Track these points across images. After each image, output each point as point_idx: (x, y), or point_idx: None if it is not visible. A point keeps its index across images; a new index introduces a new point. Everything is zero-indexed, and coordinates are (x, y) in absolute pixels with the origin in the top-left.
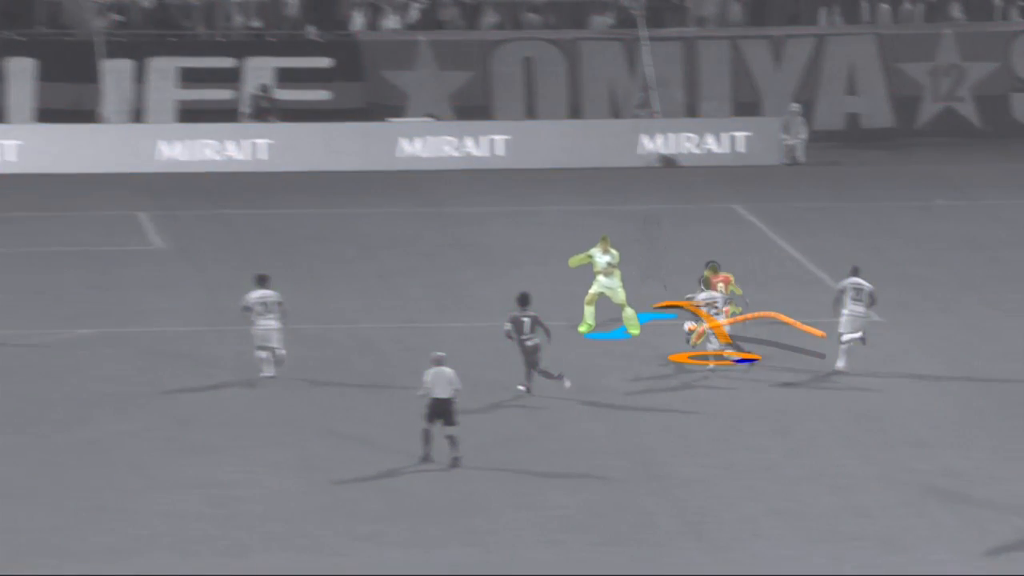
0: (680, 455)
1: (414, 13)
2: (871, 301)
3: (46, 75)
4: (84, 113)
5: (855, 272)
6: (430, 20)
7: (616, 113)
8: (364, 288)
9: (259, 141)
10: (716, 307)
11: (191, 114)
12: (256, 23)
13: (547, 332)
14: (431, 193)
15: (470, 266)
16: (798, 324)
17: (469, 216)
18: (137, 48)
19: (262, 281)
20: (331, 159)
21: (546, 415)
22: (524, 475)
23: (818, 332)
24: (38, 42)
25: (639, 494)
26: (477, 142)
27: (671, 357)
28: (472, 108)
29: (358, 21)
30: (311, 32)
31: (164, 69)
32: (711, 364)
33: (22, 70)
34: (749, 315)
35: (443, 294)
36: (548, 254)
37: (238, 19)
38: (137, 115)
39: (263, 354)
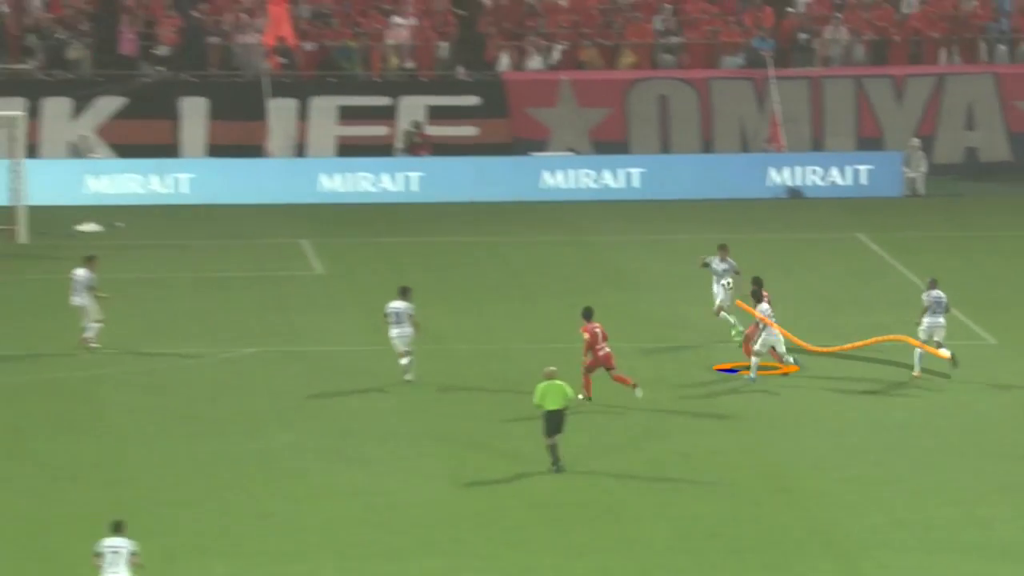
0: (806, 468)
1: (556, 54)
2: (946, 310)
3: (217, 113)
4: (252, 148)
5: (934, 285)
6: (571, 61)
7: (745, 147)
8: (509, 310)
9: (412, 174)
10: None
11: (349, 149)
12: (410, 64)
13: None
14: (572, 222)
15: (608, 290)
16: (925, 347)
17: (607, 244)
18: (300, 88)
19: (404, 293)
20: (479, 190)
21: (665, 425)
22: (656, 483)
23: (943, 354)
24: (210, 83)
25: (767, 504)
26: (614, 174)
27: (715, 367)
28: (610, 143)
29: (504, 62)
30: (460, 72)
31: (325, 107)
32: (747, 374)
33: (196, 109)
34: (879, 338)
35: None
36: (680, 280)
37: (393, 61)
38: (300, 150)
39: (403, 361)
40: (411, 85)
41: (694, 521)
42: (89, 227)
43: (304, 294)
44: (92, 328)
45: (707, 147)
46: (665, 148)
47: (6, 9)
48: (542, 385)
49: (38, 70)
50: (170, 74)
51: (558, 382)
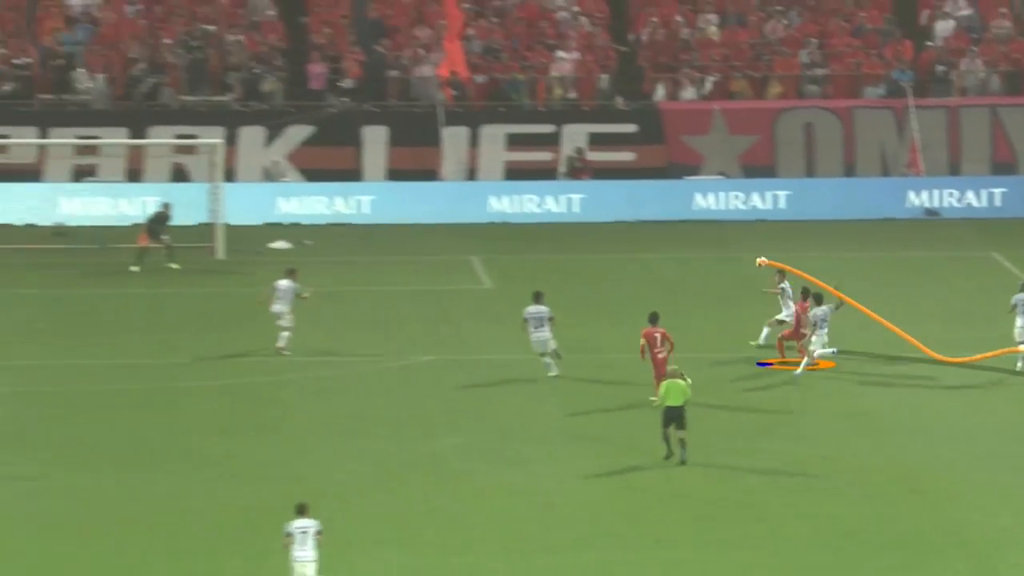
0: (939, 470)
1: (709, 85)
2: None
3: (396, 140)
4: (427, 172)
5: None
6: (723, 91)
7: (886, 171)
8: (663, 322)
9: (573, 196)
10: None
11: (516, 173)
12: (572, 95)
13: (672, 345)
14: (721, 240)
15: (754, 303)
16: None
17: (754, 261)
18: (472, 117)
19: (538, 297)
20: (635, 212)
21: (801, 427)
22: (793, 483)
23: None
24: (390, 113)
25: (902, 505)
26: (762, 196)
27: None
28: (758, 167)
29: (660, 93)
30: (619, 102)
31: (494, 135)
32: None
33: (376, 137)
34: (994, 352)
35: (731, 328)
36: (823, 295)
37: (557, 92)
38: (471, 174)
39: (546, 359)
40: (574, 114)
41: (831, 520)
42: (280, 245)
43: (473, 307)
44: (283, 337)
45: (849, 171)
46: (810, 172)
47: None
48: (666, 383)
49: (235, 102)
50: (354, 105)
51: (680, 381)
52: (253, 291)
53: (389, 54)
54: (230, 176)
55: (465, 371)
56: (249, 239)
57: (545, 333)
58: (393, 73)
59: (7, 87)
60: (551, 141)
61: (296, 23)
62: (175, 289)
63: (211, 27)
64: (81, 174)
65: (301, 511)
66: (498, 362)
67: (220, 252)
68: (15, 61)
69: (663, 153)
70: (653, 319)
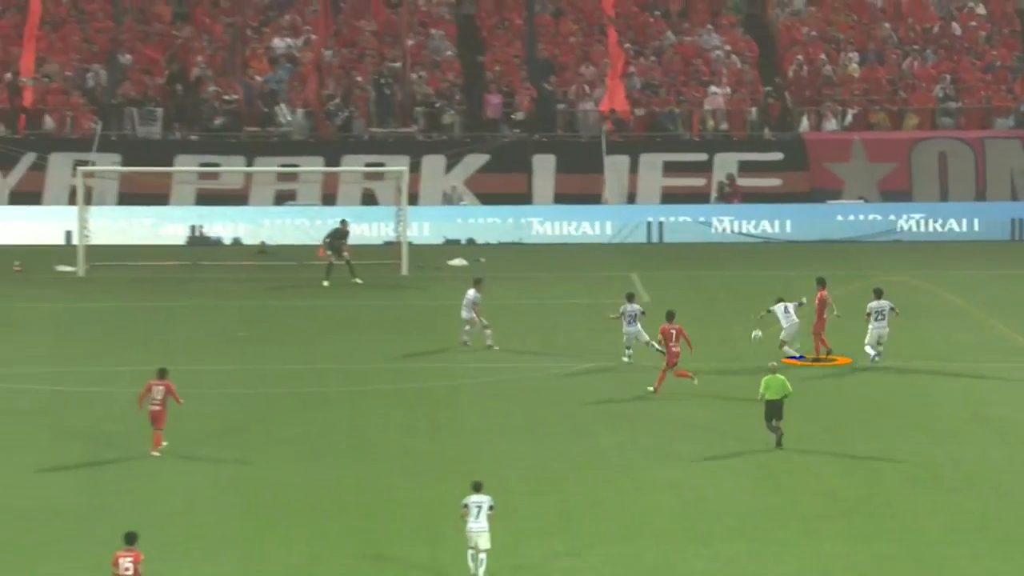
0: None
1: (849, 117)
2: None
3: (563, 168)
4: (591, 196)
5: None
6: (862, 123)
7: (1015, 196)
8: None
9: (724, 218)
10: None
11: (672, 197)
12: (724, 126)
13: (689, 342)
14: (861, 259)
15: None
16: None
17: (892, 278)
18: (632, 146)
19: (631, 298)
20: (781, 232)
21: (935, 430)
22: (927, 481)
23: None
24: (557, 142)
25: None
26: (900, 219)
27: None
28: (895, 192)
29: (804, 124)
30: (767, 133)
31: (652, 162)
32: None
33: (545, 164)
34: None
35: (860, 338)
36: (953, 309)
37: (710, 123)
38: (631, 198)
39: (628, 351)
40: (725, 143)
41: (964, 516)
42: (457, 262)
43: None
44: (488, 336)
45: (980, 196)
46: (943, 197)
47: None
48: (766, 378)
49: (419, 133)
50: (525, 135)
51: (779, 376)
52: (433, 304)
53: (557, 90)
54: (413, 200)
55: (624, 377)
56: (430, 257)
57: (636, 327)
58: (561, 107)
59: (219, 121)
60: (704, 168)
61: (473, 62)
62: (363, 302)
63: (397, 65)
64: (282, 198)
65: (477, 488)
66: (654, 369)
67: (404, 269)
68: (226, 97)
69: (807, 179)
70: (670, 316)
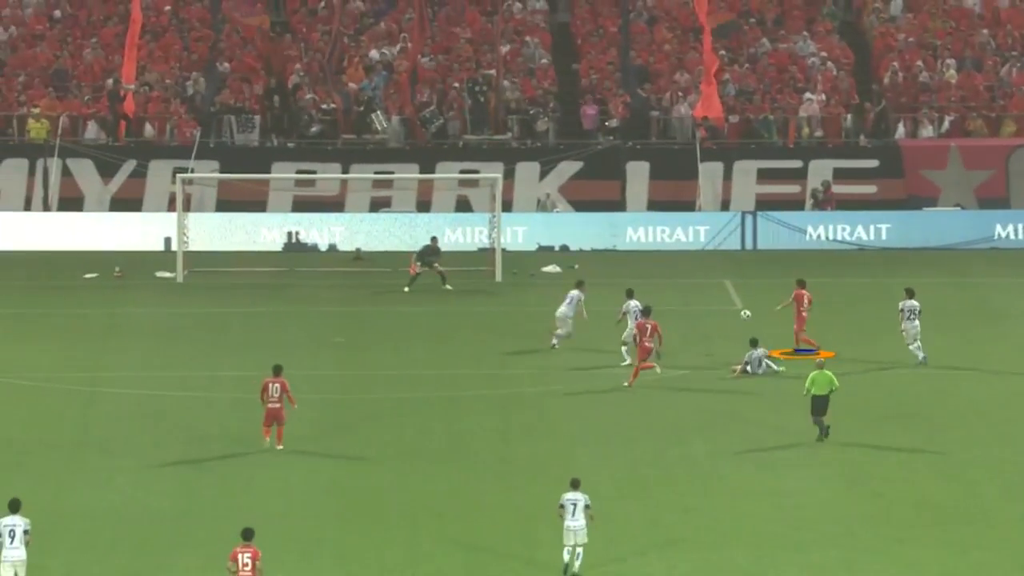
0: None
1: (946, 124)
2: None
3: (656, 174)
4: (684, 203)
5: None
6: (959, 129)
7: None
8: (899, 342)
9: (819, 225)
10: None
11: (766, 204)
12: (819, 133)
13: (660, 337)
14: (957, 266)
15: (981, 324)
16: None
17: (987, 285)
18: (726, 153)
19: (630, 294)
20: (876, 240)
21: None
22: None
23: None
24: (650, 149)
25: None
26: (997, 226)
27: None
28: (992, 199)
29: (900, 131)
30: (862, 140)
31: (746, 169)
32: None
33: (639, 171)
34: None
35: (958, 345)
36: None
37: (805, 130)
38: (725, 205)
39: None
40: (820, 150)
41: None
42: (551, 269)
43: (725, 326)
44: (557, 336)
45: None
46: None
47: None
48: (813, 374)
49: (513, 140)
50: (619, 142)
51: (826, 372)
52: (527, 310)
53: (651, 97)
54: (507, 206)
55: (715, 384)
56: (523, 263)
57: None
58: (654, 114)
59: (315, 128)
60: (798, 175)
61: (568, 69)
62: (457, 308)
63: (492, 72)
64: (378, 205)
65: (574, 485)
66: (748, 377)
67: (498, 275)
68: (323, 106)
69: (903, 186)
70: (646, 312)
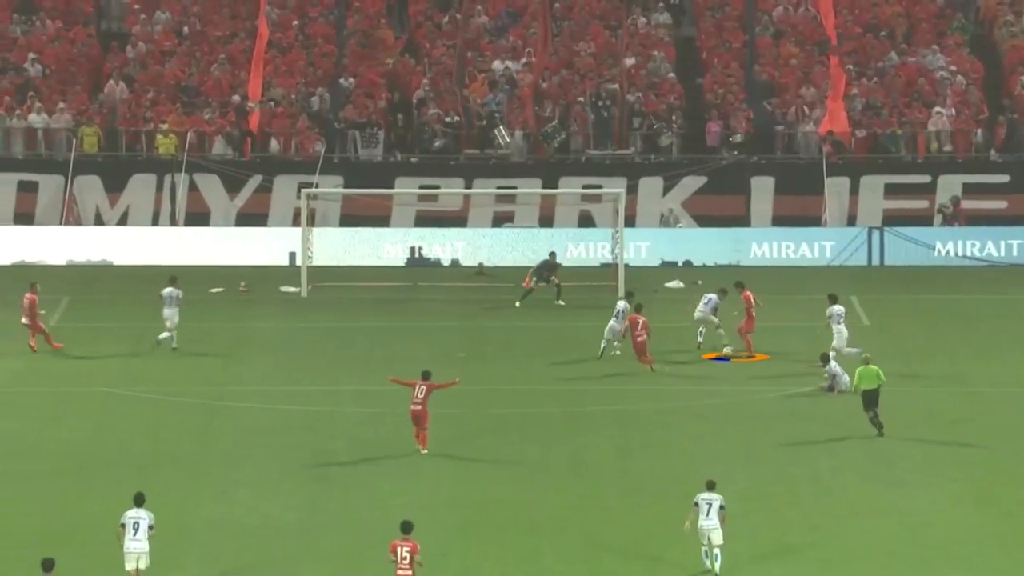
0: None
1: None
2: None
3: (782, 189)
4: (810, 218)
5: None
6: None
7: None
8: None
9: (946, 241)
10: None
11: (893, 219)
12: (948, 148)
13: (649, 332)
14: None
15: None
16: None
17: None
18: (853, 168)
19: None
20: (1007, 256)
21: None
22: None
23: None
24: (775, 164)
25: None
26: None
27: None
28: None
29: None
30: (992, 155)
31: (873, 184)
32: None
33: (764, 186)
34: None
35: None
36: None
37: (934, 145)
38: (851, 220)
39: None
40: (949, 165)
41: None
42: (674, 284)
43: (854, 342)
44: (720, 336)
45: None
46: None
47: (614, 109)
48: (860, 369)
49: (637, 155)
50: (743, 157)
51: (873, 367)
52: (650, 326)
53: (776, 112)
54: (631, 222)
55: (842, 401)
56: (646, 279)
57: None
58: (779, 128)
59: (438, 143)
60: (927, 190)
61: (692, 84)
62: (580, 323)
63: (615, 87)
64: (500, 220)
65: (710, 486)
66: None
67: (621, 290)
68: (447, 120)
69: None
70: (638, 308)
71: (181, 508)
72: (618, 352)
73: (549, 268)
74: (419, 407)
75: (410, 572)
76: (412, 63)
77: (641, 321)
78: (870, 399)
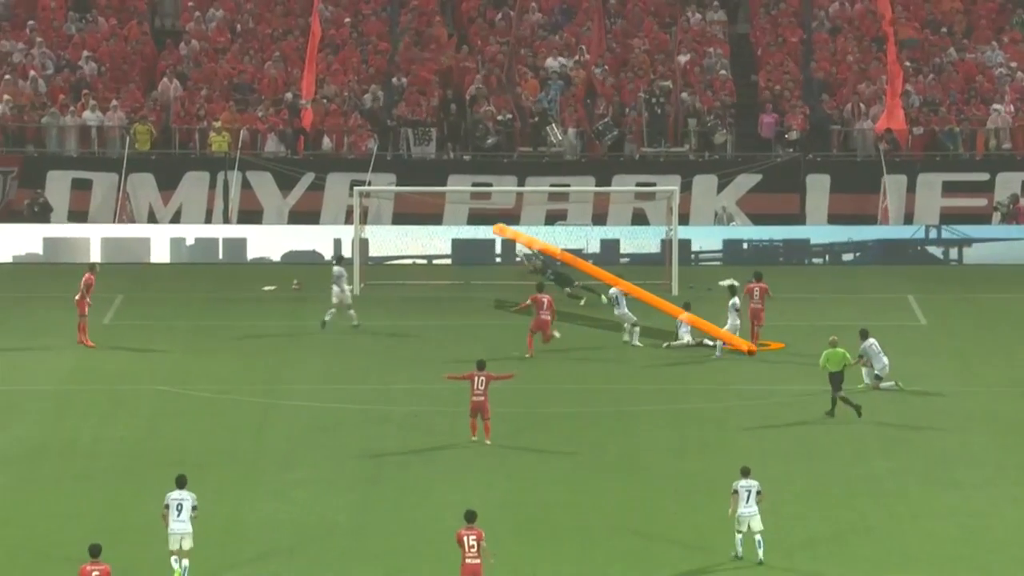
0: None
1: None
2: None
3: (837, 187)
4: (866, 217)
5: None
6: None
7: None
8: None
9: (1004, 240)
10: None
11: (951, 218)
12: (1007, 145)
13: (554, 312)
14: None
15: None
16: None
17: None
18: (910, 166)
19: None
20: None
21: None
22: None
23: None
24: (832, 161)
25: None
26: None
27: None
28: None
29: None
30: None
31: (931, 182)
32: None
33: (819, 184)
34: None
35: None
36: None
37: (992, 143)
38: (908, 218)
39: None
40: (1008, 162)
41: None
42: (727, 282)
43: (909, 342)
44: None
45: None
46: None
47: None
48: (827, 351)
49: (691, 152)
50: (799, 154)
51: (840, 349)
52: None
53: (833, 109)
54: (684, 220)
55: (897, 401)
56: (700, 277)
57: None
58: (835, 126)
59: (491, 141)
60: (985, 188)
61: (747, 81)
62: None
63: (669, 84)
64: (553, 218)
65: (745, 473)
66: (931, 393)
67: (674, 288)
68: (499, 118)
69: None
70: (540, 288)
71: (235, 507)
72: (632, 341)
73: (561, 280)
74: (481, 397)
75: (478, 560)
76: (465, 60)
77: (546, 300)
78: (837, 380)
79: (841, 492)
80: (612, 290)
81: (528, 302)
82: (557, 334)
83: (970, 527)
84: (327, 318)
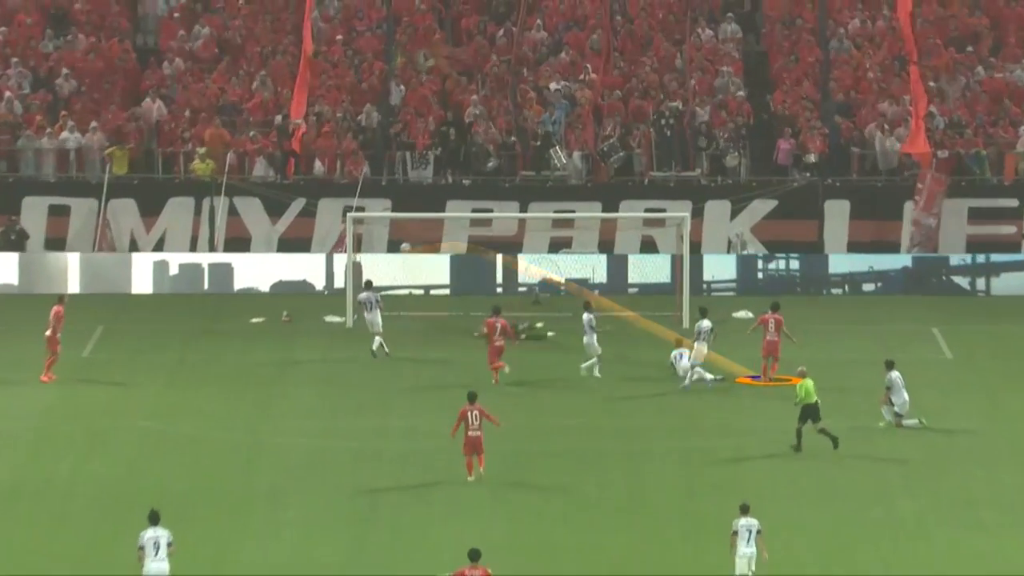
0: None
1: None
2: None
3: (857, 213)
4: (888, 244)
5: None
6: None
7: None
8: None
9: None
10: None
11: (978, 245)
12: None
13: (510, 334)
14: None
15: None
16: None
17: None
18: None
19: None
20: None
21: None
22: None
23: None
24: (851, 187)
25: None
26: None
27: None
28: None
29: None
30: None
31: (956, 209)
32: None
33: (838, 210)
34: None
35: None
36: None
37: (1021, 166)
38: (932, 247)
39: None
40: None
41: None
42: (742, 314)
43: (935, 376)
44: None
45: None
46: None
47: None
48: (802, 383)
49: (702, 176)
50: (817, 179)
51: (810, 380)
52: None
53: (852, 131)
54: (696, 248)
55: (919, 438)
56: (713, 308)
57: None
58: (855, 150)
59: (492, 164)
60: (1014, 215)
61: (761, 101)
62: (640, 354)
63: (679, 104)
64: (557, 246)
65: (744, 511)
66: (956, 431)
67: (685, 320)
68: (499, 140)
69: None
70: (496, 311)
71: (222, 549)
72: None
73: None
74: (477, 433)
75: None
76: (464, 80)
77: (499, 325)
78: (812, 412)
79: (860, 534)
80: (586, 316)
81: (484, 330)
82: (506, 369)
83: (996, 570)
84: (374, 347)
